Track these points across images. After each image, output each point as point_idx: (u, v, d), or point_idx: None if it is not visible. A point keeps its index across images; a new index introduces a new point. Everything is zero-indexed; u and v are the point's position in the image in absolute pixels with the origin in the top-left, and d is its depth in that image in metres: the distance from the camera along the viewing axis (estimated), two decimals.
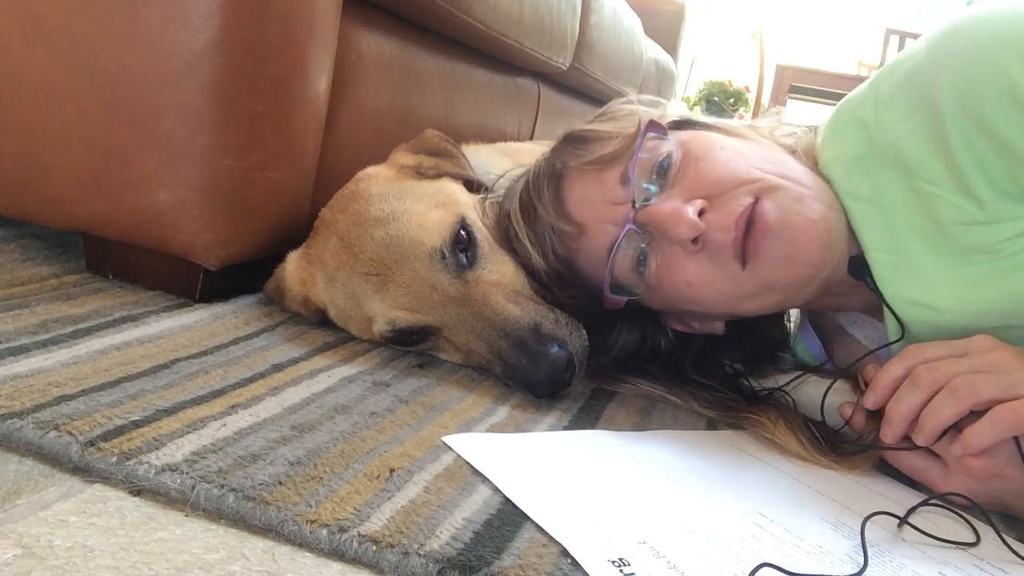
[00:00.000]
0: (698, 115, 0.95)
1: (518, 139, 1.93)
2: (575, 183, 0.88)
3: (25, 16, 0.91)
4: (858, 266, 0.84)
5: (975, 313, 0.79)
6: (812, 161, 0.88)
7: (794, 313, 1.09)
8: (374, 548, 0.53)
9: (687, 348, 0.99)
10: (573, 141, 0.92)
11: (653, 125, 0.86)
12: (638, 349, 0.97)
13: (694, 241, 0.79)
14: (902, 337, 0.84)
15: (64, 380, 0.67)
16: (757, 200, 0.78)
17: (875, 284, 0.84)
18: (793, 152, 0.88)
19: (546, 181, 0.90)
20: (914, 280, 0.81)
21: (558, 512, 0.60)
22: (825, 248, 0.79)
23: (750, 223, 0.78)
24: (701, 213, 0.79)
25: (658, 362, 0.98)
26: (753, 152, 0.85)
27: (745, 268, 0.79)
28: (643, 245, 0.84)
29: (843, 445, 0.82)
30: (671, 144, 0.85)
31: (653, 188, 0.83)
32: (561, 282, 0.90)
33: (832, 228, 0.80)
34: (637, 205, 0.82)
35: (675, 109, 0.95)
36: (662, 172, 0.83)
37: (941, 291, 0.80)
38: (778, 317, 1.07)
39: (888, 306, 0.84)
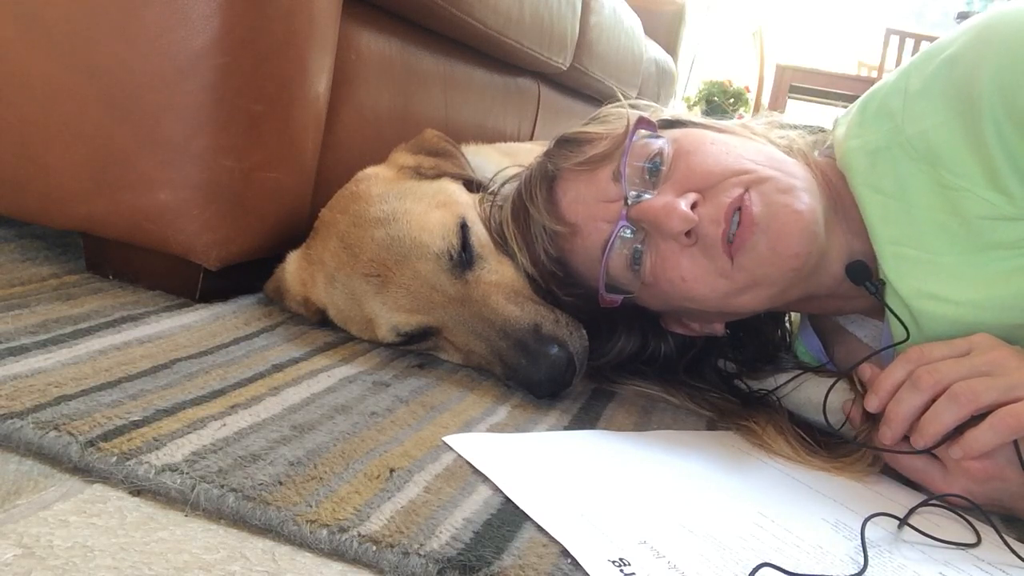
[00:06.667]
0: (689, 115, 0.95)
1: (518, 139, 1.93)
2: (568, 184, 0.89)
3: (25, 16, 0.91)
4: (858, 271, 0.84)
5: (997, 308, 0.78)
6: (808, 160, 0.88)
7: (794, 313, 1.09)
8: (374, 548, 0.53)
9: (686, 352, 0.99)
10: (565, 143, 0.92)
11: (643, 122, 0.86)
12: (638, 354, 0.98)
13: (687, 235, 0.79)
14: (908, 338, 0.83)
15: (64, 380, 0.67)
16: (745, 191, 0.78)
17: (876, 289, 0.84)
18: (788, 151, 0.88)
19: (539, 183, 0.90)
20: (934, 274, 0.80)
21: (558, 512, 0.60)
22: (811, 240, 0.78)
23: (739, 217, 0.78)
24: (694, 206, 0.79)
25: (655, 365, 0.98)
26: (745, 146, 0.85)
27: (733, 263, 0.79)
28: (638, 244, 0.84)
29: (839, 446, 0.82)
30: (663, 141, 0.85)
31: (646, 185, 0.83)
32: (558, 283, 0.90)
33: (818, 220, 0.79)
34: (629, 201, 0.82)
35: (672, 111, 0.95)
36: (654, 169, 0.83)
37: (962, 285, 0.79)
38: (778, 317, 1.07)
39: (890, 309, 0.84)
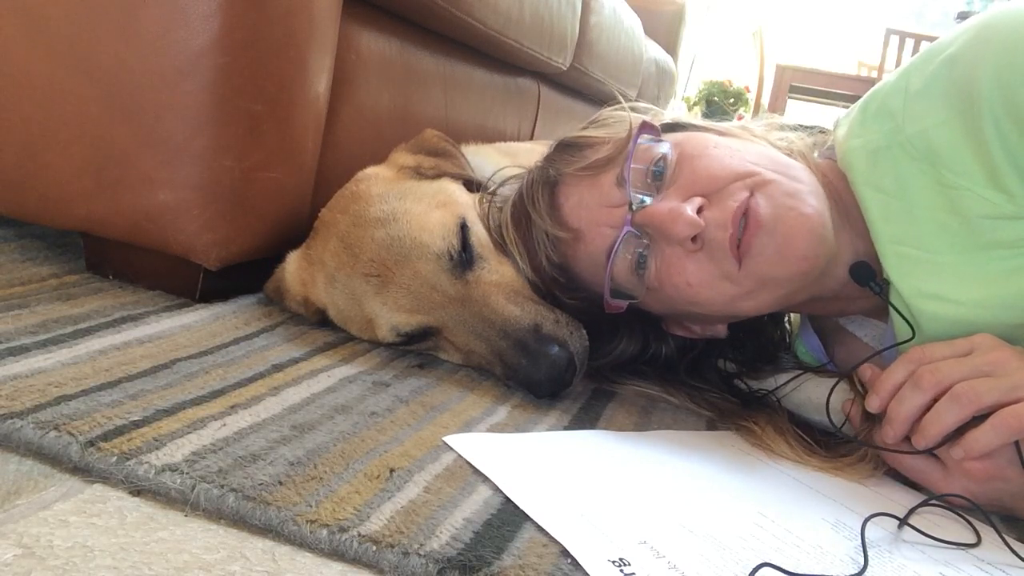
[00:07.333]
0: (691, 118, 0.95)
1: (518, 139, 1.93)
2: (570, 189, 0.88)
3: (25, 16, 0.91)
4: (861, 272, 0.84)
5: (998, 307, 0.78)
6: (808, 161, 0.88)
7: (794, 314, 1.09)
8: (374, 548, 0.53)
9: (686, 352, 0.99)
10: (566, 148, 0.92)
11: (646, 126, 0.86)
12: (639, 355, 0.98)
13: (693, 240, 0.79)
14: (913, 336, 0.83)
15: (64, 380, 0.67)
16: (751, 195, 0.78)
17: (880, 289, 0.84)
18: (789, 153, 0.88)
19: (540, 189, 0.89)
20: (935, 274, 0.80)
21: (558, 512, 0.60)
22: (819, 242, 0.78)
23: (745, 220, 0.78)
24: (700, 211, 0.79)
25: (656, 366, 0.98)
26: (748, 149, 0.85)
27: (741, 266, 0.79)
28: (641, 250, 0.83)
29: (839, 447, 0.82)
30: (666, 146, 0.84)
31: (649, 190, 0.83)
32: (560, 288, 0.90)
33: (826, 224, 0.79)
34: (634, 206, 0.82)
35: (671, 113, 0.95)
36: (658, 173, 0.83)
37: (963, 285, 0.79)
38: (778, 318, 1.07)
39: (895, 308, 0.84)
